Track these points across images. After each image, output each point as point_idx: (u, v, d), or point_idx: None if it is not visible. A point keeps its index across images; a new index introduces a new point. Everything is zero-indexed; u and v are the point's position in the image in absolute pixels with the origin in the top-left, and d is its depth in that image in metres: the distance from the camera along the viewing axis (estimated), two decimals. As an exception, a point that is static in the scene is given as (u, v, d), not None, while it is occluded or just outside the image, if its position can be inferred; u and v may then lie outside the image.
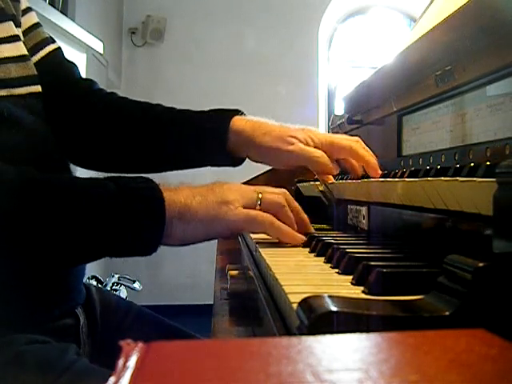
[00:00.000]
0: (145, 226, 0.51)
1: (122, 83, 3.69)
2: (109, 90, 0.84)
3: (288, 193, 0.61)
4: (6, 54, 0.64)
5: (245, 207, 0.56)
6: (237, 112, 0.74)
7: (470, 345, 0.20)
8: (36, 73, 0.68)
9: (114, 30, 3.63)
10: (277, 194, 0.59)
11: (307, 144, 0.70)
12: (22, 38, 0.70)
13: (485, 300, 0.25)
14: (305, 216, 0.62)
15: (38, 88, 0.68)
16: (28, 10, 0.75)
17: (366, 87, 0.86)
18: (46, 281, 0.62)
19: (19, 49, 0.67)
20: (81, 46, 2.53)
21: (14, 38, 0.66)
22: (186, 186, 0.56)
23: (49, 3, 2.41)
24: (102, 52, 2.83)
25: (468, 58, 0.53)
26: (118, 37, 3.72)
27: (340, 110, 1.10)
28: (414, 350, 0.20)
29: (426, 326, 0.24)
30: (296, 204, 0.61)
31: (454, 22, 0.53)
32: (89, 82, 0.82)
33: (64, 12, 2.60)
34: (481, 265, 0.25)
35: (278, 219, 0.57)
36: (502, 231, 0.28)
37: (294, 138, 0.70)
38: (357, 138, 0.72)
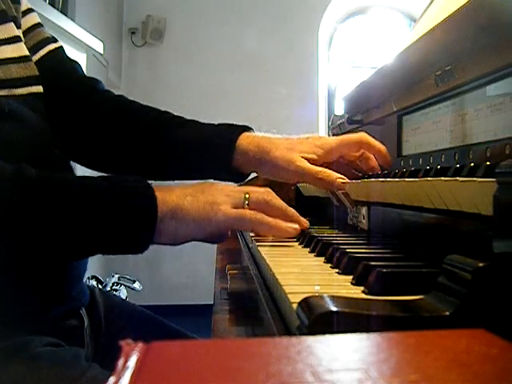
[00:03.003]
0: (137, 223, 0.52)
1: (122, 83, 3.69)
2: (116, 93, 0.82)
3: (272, 191, 0.62)
4: (8, 55, 0.65)
5: (233, 207, 0.57)
6: (244, 128, 0.74)
7: (470, 345, 0.20)
8: (37, 73, 0.69)
9: (114, 29, 3.63)
10: (262, 193, 0.60)
11: (315, 159, 0.70)
12: (22, 39, 0.70)
13: (485, 300, 0.25)
14: (292, 210, 0.62)
15: (39, 88, 0.68)
16: (28, 11, 0.75)
17: (366, 87, 0.86)
18: (45, 278, 0.63)
19: (20, 50, 0.67)
20: (81, 46, 2.53)
21: (15, 39, 0.67)
22: (176, 186, 0.57)
23: (49, 3, 2.41)
24: (102, 52, 2.83)
25: (468, 58, 0.53)
26: (118, 37, 3.71)
27: (340, 110, 1.09)
28: (414, 349, 0.20)
29: (425, 326, 0.24)
30: (280, 202, 0.61)
31: (454, 22, 0.53)
32: (93, 80, 0.81)
33: (64, 12, 2.60)
34: (481, 265, 0.25)
35: (268, 215, 0.58)
36: (502, 231, 0.28)
37: (300, 160, 0.70)
38: (363, 133, 0.73)
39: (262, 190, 0.61)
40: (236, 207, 0.57)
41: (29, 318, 0.61)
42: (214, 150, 0.72)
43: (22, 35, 0.71)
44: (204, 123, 0.76)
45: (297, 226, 0.60)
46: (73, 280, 0.68)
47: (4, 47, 0.65)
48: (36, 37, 0.75)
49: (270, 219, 0.58)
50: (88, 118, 0.78)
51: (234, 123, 0.75)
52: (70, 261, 0.63)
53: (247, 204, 0.58)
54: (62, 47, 0.79)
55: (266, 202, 0.59)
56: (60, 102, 0.75)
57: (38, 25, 0.76)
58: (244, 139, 0.71)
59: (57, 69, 0.76)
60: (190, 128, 0.75)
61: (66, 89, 0.77)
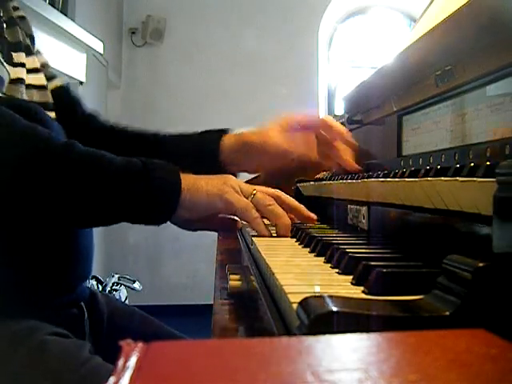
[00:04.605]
0: (165, 192, 0.61)
1: (121, 83, 3.69)
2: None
3: (283, 193, 0.69)
4: (32, 82, 0.75)
5: (240, 194, 0.65)
6: (224, 131, 0.84)
7: (470, 345, 0.20)
8: (51, 101, 0.78)
9: (114, 29, 3.63)
10: (269, 195, 0.67)
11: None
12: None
13: (485, 300, 0.25)
14: (300, 206, 0.71)
15: (52, 114, 0.77)
16: (38, 52, 0.85)
17: (366, 87, 0.86)
18: (53, 273, 0.69)
19: (40, 79, 0.77)
20: (81, 46, 2.53)
21: (37, 70, 0.78)
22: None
23: (49, 3, 2.41)
24: (102, 52, 2.83)
25: (468, 58, 0.53)
26: (118, 37, 3.72)
27: (340, 109, 1.10)
28: (414, 349, 0.20)
29: (425, 326, 0.24)
30: (290, 200, 0.70)
31: (454, 22, 0.53)
32: (90, 117, 0.90)
33: (64, 12, 2.60)
34: (481, 265, 0.25)
35: (262, 217, 0.66)
36: (502, 231, 0.28)
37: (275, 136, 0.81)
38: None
39: (271, 191, 0.69)
40: (244, 196, 0.65)
41: (34, 305, 0.67)
42: (202, 158, 0.82)
43: None
44: (188, 134, 0.86)
45: (273, 234, 0.66)
46: (77, 278, 0.74)
47: (29, 75, 0.74)
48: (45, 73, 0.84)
49: (256, 216, 0.65)
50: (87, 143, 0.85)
51: (214, 129, 0.86)
52: (106, 225, 0.69)
53: (252, 198, 0.65)
54: (67, 85, 0.89)
55: (266, 203, 0.66)
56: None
57: (47, 64, 0.86)
58: (226, 138, 0.82)
59: (61, 101, 0.84)
60: (178, 141, 0.86)
61: (68, 118, 0.84)
